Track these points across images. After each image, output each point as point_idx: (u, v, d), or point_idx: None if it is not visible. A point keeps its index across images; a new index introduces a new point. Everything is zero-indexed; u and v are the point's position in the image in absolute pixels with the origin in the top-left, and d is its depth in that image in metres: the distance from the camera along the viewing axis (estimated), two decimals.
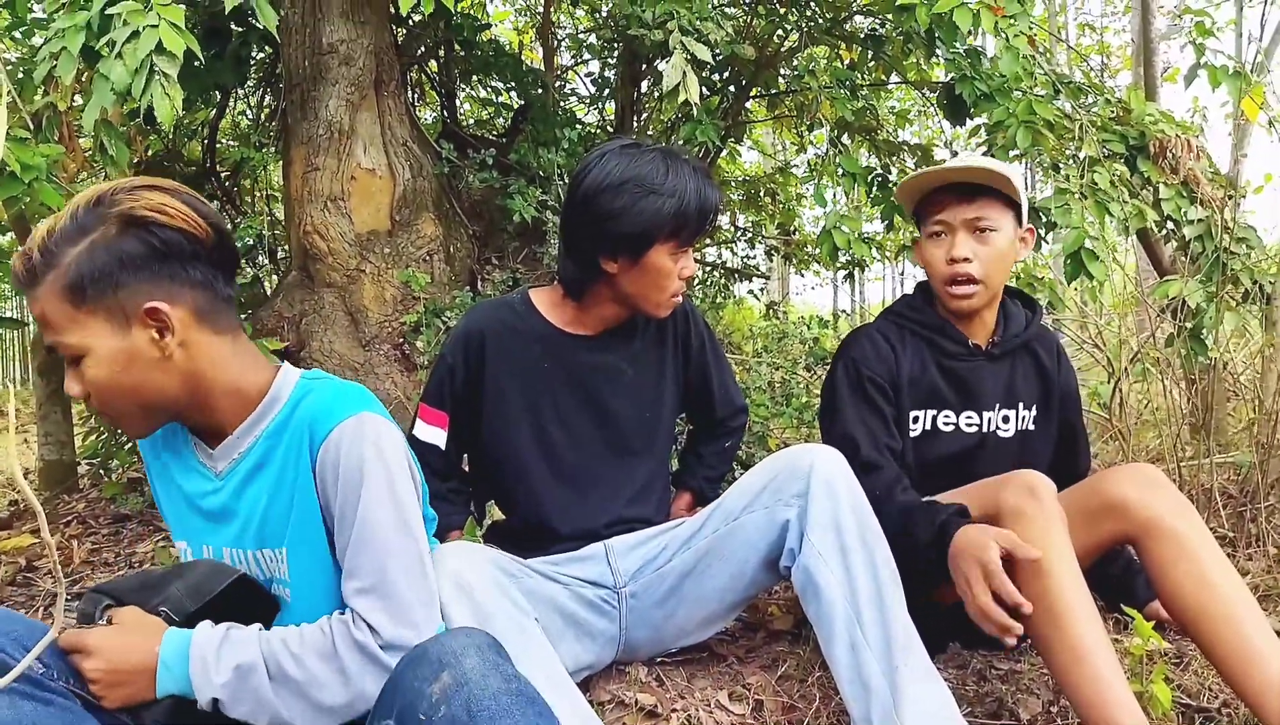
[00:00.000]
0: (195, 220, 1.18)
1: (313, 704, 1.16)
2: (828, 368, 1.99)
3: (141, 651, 1.12)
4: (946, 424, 1.86)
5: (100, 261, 1.13)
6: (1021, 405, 1.90)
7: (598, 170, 1.63)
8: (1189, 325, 2.64)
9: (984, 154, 2.76)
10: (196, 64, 1.98)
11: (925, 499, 1.69)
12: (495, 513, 1.85)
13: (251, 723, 1.16)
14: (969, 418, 1.86)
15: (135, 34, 1.80)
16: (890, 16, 2.96)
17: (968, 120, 2.99)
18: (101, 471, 3.53)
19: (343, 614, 1.20)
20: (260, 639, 1.17)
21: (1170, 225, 2.80)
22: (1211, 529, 1.57)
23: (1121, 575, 1.93)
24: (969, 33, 2.46)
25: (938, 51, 2.94)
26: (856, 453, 1.72)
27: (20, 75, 2.16)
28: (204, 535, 1.32)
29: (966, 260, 1.76)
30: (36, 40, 3.00)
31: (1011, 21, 2.49)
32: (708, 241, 5.06)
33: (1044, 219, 2.74)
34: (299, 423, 1.23)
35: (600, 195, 1.61)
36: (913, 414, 1.85)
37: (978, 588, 1.42)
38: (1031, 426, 1.91)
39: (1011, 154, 2.58)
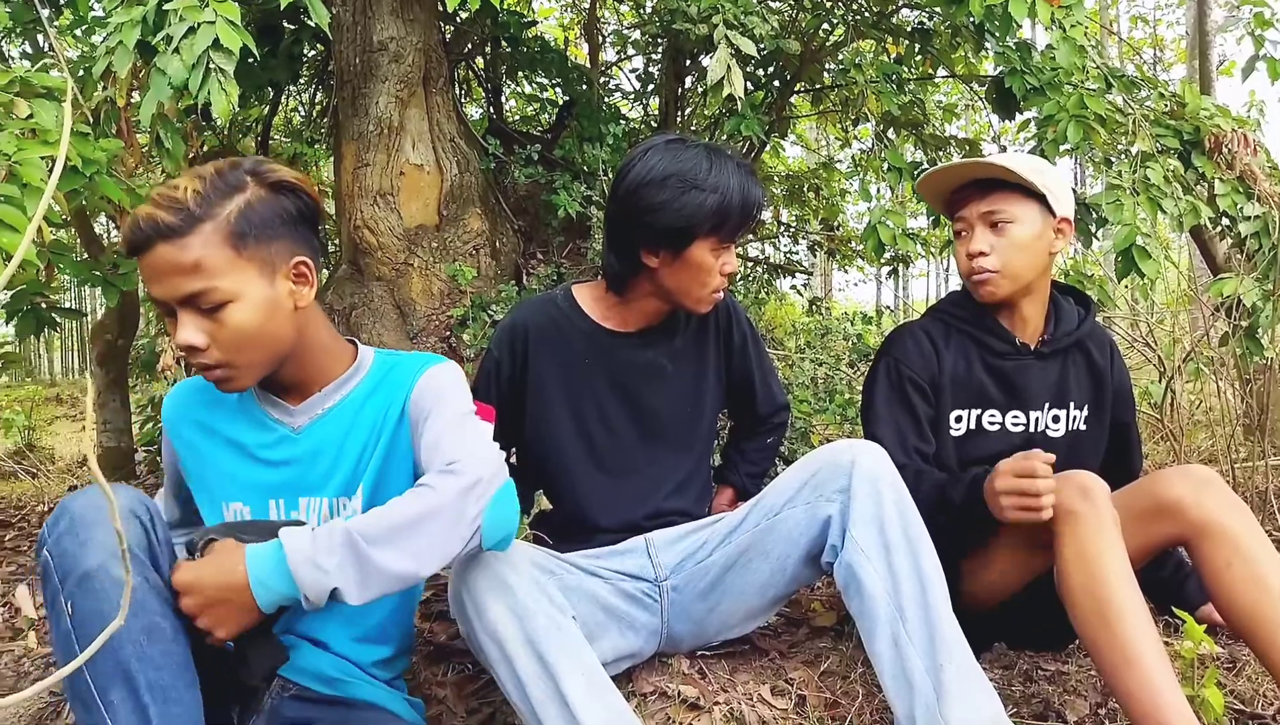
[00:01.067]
0: (317, 194, 1.35)
1: (429, 525, 1.16)
2: (870, 364, 1.98)
3: (223, 569, 1.12)
4: (992, 423, 1.84)
5: (262, 214, 1.26)
6: (1073, 405, 1.87)
7: (641, 165, 1.64)
8: (1244, 324, 2.59)
9: (1032, 149, 2.72)
10: (251, 61, 2.03)
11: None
12: (543, 502, 1.87)
13: (379, 593, 1.15)
14: (1015, 417, 1.84)
15: (192, 30, 1.84)
16: (939, 10, 2.93)
17: (1017, 114, 2.95)
18: (158, 458, 3.62)
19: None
20: (339, 522, 1.16)
21: (1225, 222, 2.73)
22: (1266, 532, 1.54)
23: (1172, 578, 1.90)
24: (1020, 25, 2.43)
25: (987, 45, 2.91)
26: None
27: (81, 72, 2.22)
28: (271, 490, 1.38)
29: (982, 253, 1.77)
30: (96, 39, 3.08)
31: (1068, 11, 2.45)
32: (750, 237, 5.05)
33: (1094, 215, 2.70)
34: (392, 384, 1.38)
35: (643, 189, 1.62)
36: (956, 413, 1.84)
37: (1023, 485, 1.50)
38: (1083, 427, 1.88)
39: (1062, 148, 2.54)
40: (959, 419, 1.84)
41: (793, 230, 4.98)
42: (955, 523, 1.62)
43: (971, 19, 2.49)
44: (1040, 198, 1.76)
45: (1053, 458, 1.50)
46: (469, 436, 1.30)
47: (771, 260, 5.08)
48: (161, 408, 1.46)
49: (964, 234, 1.82)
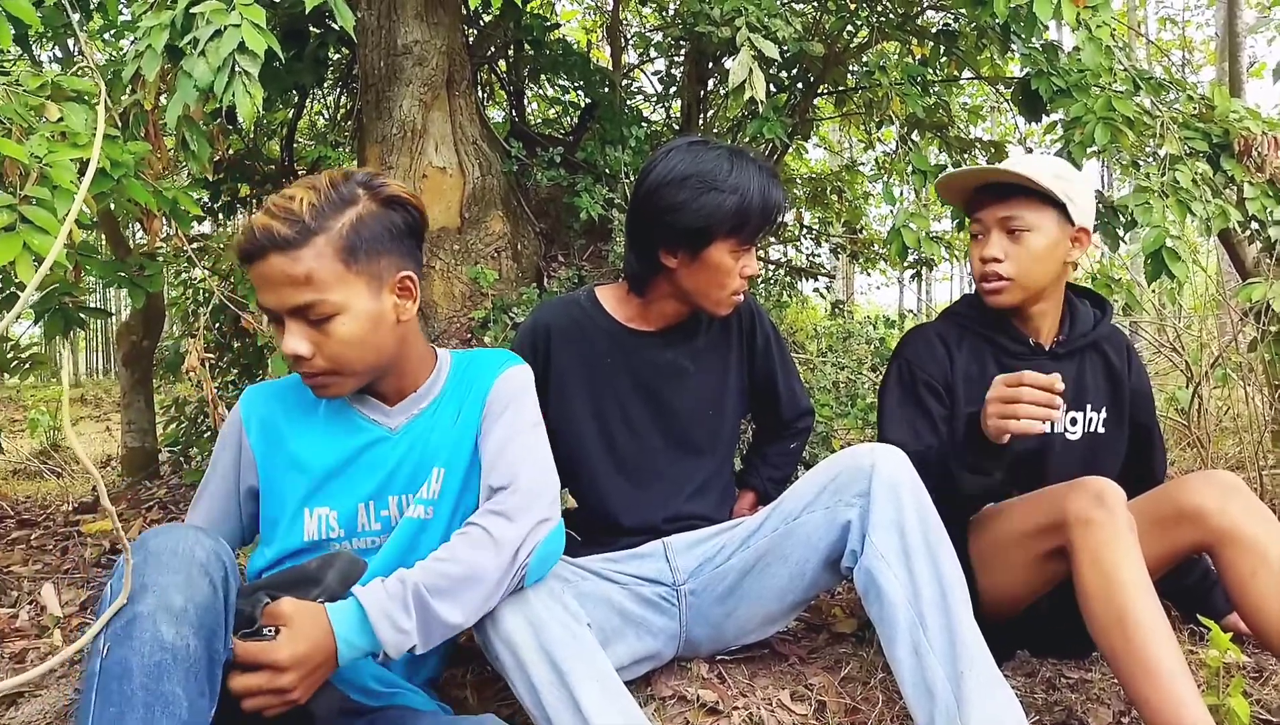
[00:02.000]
0: (424, 208, 1.40)
1: (481, 582, 1.24)
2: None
3: (317, 642, 1.13)
4: None
5: (373, 229, 1.30)
6: (1090, 407, 1.85)
7: (663, 165, 1.64)
8: (1274, 329, 2.55)
9: (1059, 151, 2.70)
10: (276, 64, 2.04)
11: None
12: (568, 499, 1.87)
13: (441, 642, 1.25)
14: None
15: (218, 33, 1.85)
16: (964, 11, 2.91)
17: (1043, 116, 2.93)
18: (182, 459, 3.66)
19: (465, 523, 1.32)
20: (407, 574, 1.22)
21: (1255, 226, 2.70)
22: None
23: (1197, 586, 1.87)
24: (1046, 26, 2.40)
25: (1013, 46, 2.88)
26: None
27: (110, 76, 2.24)
28: (363, 494, 1.39)
29: (996, 260, 1.75)
30: (125, 43, 3.12)
31: (1094, 12, 2.43)
32: (772, 240, 5.03)
33: (1122, 218, 2.67)
34: (475, 375, 1.45)
35: (663, 189, 1.62)
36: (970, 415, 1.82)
37: (1008, 393, 1.47)
38: (1101, 429, 1.86)
39: (1089, 150, 2.51)
40: None
41: (815, 233, 4.96)
42: (960, 464, 1.60)
43: (996, 20, 2.47)
44: (1060, 206, 1.74)
45: (1057, 378, 1.46)
46: (535, 457, 1.39)
47: (794, 263, 5.06)
48: (237, 407, 1.46)
49: (980, 237, 1.80)
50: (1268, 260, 2.65)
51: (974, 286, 1.93)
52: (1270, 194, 2.61)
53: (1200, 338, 3.30)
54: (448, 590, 1.22)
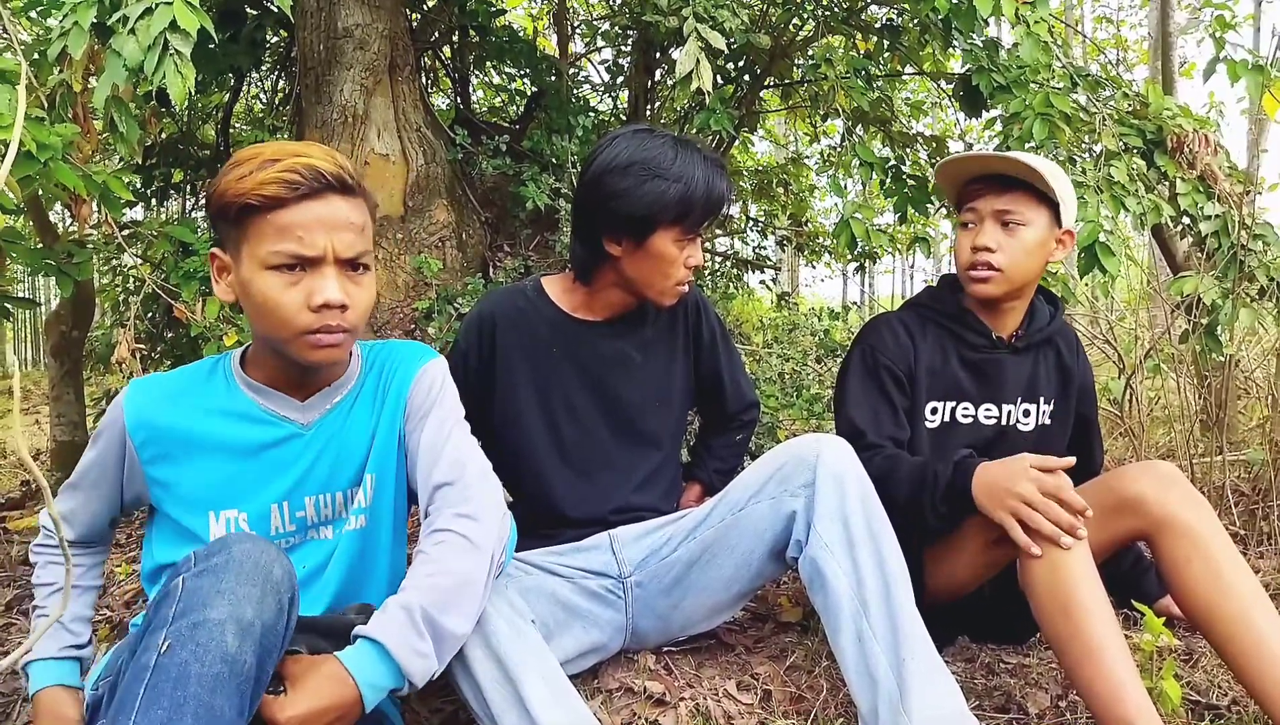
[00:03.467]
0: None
1: (474, 586, 1.23)
2: (841, 358, 1.98)
3: (329, 698, 1.09)
4: (965, 416, 1.85)
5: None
6: (1042, 399, 1.89)
7: (608, 152, 1.64)
8: (1204, 322, 2.62)
9: (998, 147, 2.74)
10: (211, 46, 1.99)
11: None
12: (508, 493, 1.85)
13: (450, 657, 1.22)
14: (988, 410, 1.86)
15: (149, 10, 1.79)
16: (907, 6, 2.94)
17: (984, 112, 2.97)
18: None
19: (430, 530, 1.28)
20: (406, 599, 1.18)
21: (1186, 221, 2.77)
22: (1223, 525, 1.56)
23: (1131, 571, 1.92)
24: (986, 22, 2.44)
25: (955, 42, 2.92)
26: (861, 437, 1.74)
27: (35, 55, 2.15)
28: (274, 494, 1.32)
29: (989, 250, 1.75)
30: (52, 21, 3.00)
31: (1032, 8, 2.47)
32: (719, 232, 5.04)
33: None
34: (386, 372, 1.41)
35: (607, 175, 1.62)
36: (931, 405, 1.84)
37: (1030, 516, 1.47)
38: (1048, 421, 1.90)
39: (1027, 146, 2.55)
40: (934, 411, 1.85)
41: (761, 225, 4.98)
42: (932, 506, 1.61)
43: (938, 15, 2.50)
44: (1053, 206, 1.76)
45: (1087, 508, 1.47)
46: (474, 451, 1.37)
47: (740, 255, 5.08)
48: (116, 408, 1.33)
49: (972, 226, 1.80)
50: (1198, 254, 2.72)
51: (938, 279, 1.95)
52: (1201, 190, 2.69)
53: (1134, 330, 3.39)
54: (449, 603, 1.19)
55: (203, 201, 1.28)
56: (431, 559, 1.22)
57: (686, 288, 1.72)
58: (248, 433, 1.32)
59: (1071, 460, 1.53)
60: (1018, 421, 1.87)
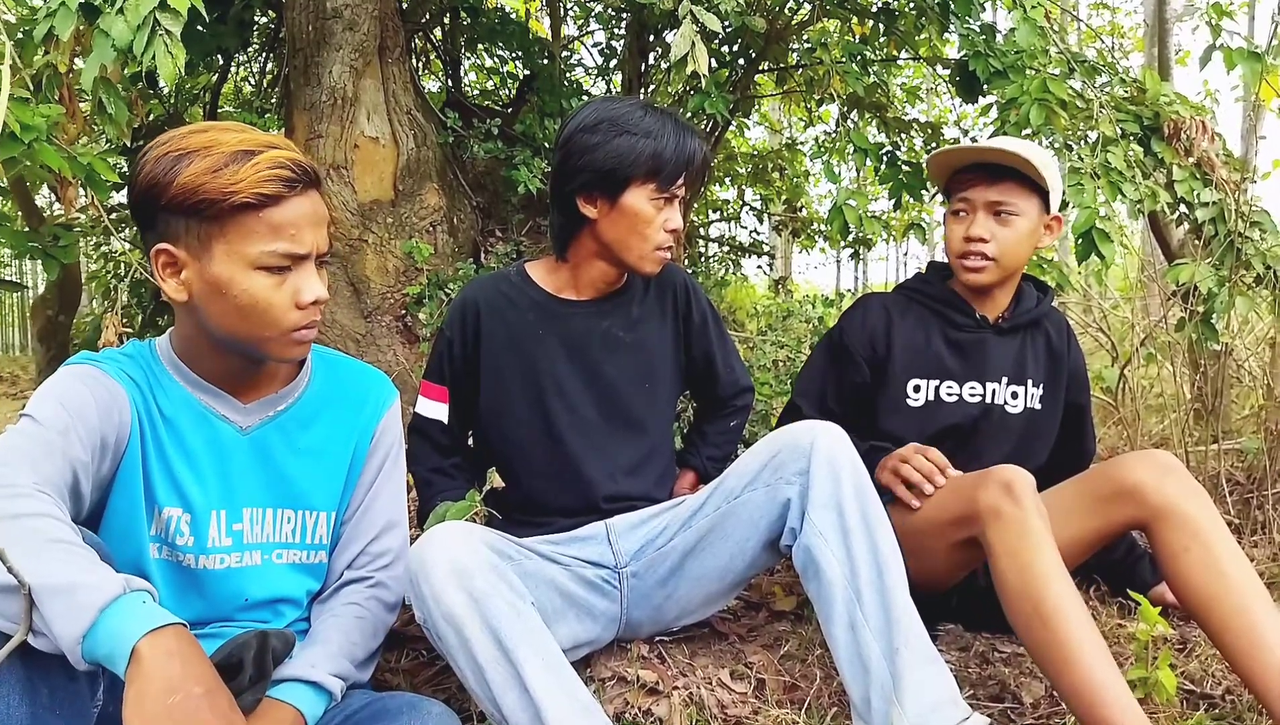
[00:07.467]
0: None
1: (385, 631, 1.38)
2: None
3: None
4: (950, 394, 1.86)
5: None
6: (1030, 382, 1.89)
7: (578, 116, 1.67)
8: (1200, 310, 2.61)
9: (994, 133, 2.72)
10: (200, 26, 1.96)
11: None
12: (495, 479, 1.83)
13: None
14: (972, 388, 1.86)
15: None
16: None
17: (980, 98, 2.95)
18: None
19: (361, 580, 1.37)
20: (332, 671, 1.26)
21: (1182, 208, 2.76)
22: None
23: (1124, 560, 1.92)
24: (983, 6, 2.42)
25: (951, 27, 2.90)
26: (797, 411, 1.90)
27: (20, 35, 2.11)
28: (212, 499, 1.25)
29: (982, 240, 1.77)
30: (38, 0, 2.95)
31: None
32: (712, 217, 5.02)
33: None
34: (356, 402, 1.38)
35: (576, 135, 1.64)
36: (914, 383, 1.85)
37: (898, 467, 1.70)
38: (1038, 405, 1.90)
39: (1024, 132, 2.54)
40: (917, 389, 1.85)
41: (755, 210, 4.97)
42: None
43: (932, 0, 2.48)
44: (1043, 193, 1.76)
45: (949, 468, 1.69)
46: (401, 497, 1.43)
47: (736, 240, 5.06)
48: (108, 373, 1.23)
49: (964, 215, 1.82)
50: (1194, 242, 2.71)
51: (927, 265, 1.96)
52: (1197, 177, 2.67)
53: (1131, 318, 3.38)
54: (365, 659, 1.33)
55: (133, 191, 1.18)
56: (352, 630, 1.32)
57: (668, 254, 1.70)
58: (200, 427, 1.25)
59: (945, 462, 1.70)
60: (1005, 402, 1.87)
